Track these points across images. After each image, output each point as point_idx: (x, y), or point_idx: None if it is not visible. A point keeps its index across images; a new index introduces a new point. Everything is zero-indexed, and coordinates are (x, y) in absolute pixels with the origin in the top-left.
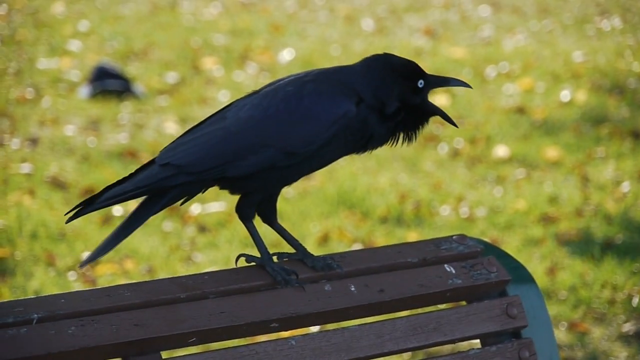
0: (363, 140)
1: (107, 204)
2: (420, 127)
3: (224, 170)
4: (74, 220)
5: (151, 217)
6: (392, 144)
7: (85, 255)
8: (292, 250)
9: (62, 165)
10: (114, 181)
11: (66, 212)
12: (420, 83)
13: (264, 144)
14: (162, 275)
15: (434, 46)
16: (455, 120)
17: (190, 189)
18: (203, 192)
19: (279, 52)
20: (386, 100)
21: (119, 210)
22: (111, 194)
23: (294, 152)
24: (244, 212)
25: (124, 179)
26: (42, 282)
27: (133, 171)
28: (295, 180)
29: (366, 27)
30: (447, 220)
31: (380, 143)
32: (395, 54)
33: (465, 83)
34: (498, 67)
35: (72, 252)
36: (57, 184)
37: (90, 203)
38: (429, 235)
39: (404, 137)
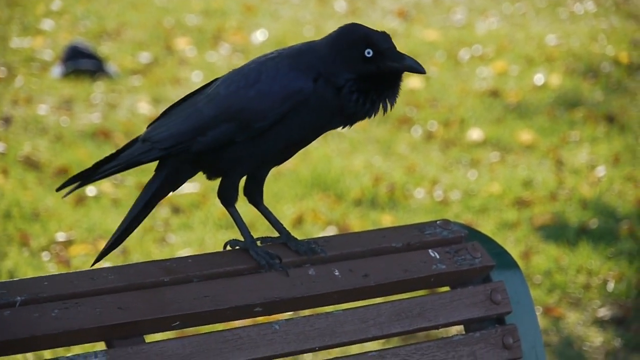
0: (329, 115)
1: (100, 177)
2: (392, 91)
3: (190, 146)
4: (47, 201)
5: (145, 217)
6: (373, 113)
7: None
8: (274, 234)
9: (35, 144)
10: (104, 157)
11: (59, 187)
12: (368, 52)
13: (223, 119)
14: (136, 255)
15: (407, 28)
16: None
17: (174, 175)
18: (190, 178)
19: (252, 33)
20: (334, 71)
21: (92, 191)
22: (103, 168)
23: (248, 125)
24: (226, 196)
25: (112, 156)
26: (15, 262)
27: (121, 147)
28: (272, 158)
29: (339, 8)
30: (421, 204)
31: (358, 115)
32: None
33: (420, 67)
34: (471, 50)
35: (46, 232)
36: (31, 164)
37: (83, 177)
38: (404, 218)
39: (380, 104)
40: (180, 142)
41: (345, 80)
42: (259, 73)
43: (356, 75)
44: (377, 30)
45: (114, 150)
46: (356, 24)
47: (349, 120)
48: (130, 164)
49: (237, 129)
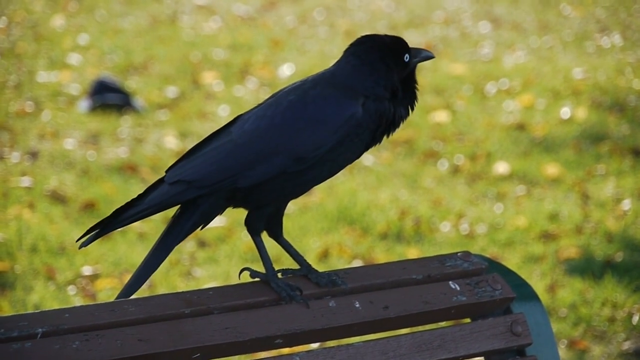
0: (380, 131)
1: (124, 224)
2: (417, 90)
3: (235, 181)
4: (74, 234)
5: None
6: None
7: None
8: (296, 266)
9: (61, 179)
10: (124, 203)
11: (79, 237)
12: (406, 57)
13: (272, 152)
14: (161, 289)
15: (434, 62)
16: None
17: (208, 212)
18: (221, 214)
19: (279, 67)
20: (394, 85)
21: None
22: (127, 215)
23: (303, 157)
24: (254, 226)
25: (134, 201)
26: (41, 296)
27: (142, 192)
28: (312, 185)
29: None
30: (447, 237)
31: (400, 123)
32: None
33: (431, 54)
34: (498, 83)
35: (72, 266)
36: (57, 198)
37: (105, 225)
38: (429, 252)
39: (411, 106)
40: (224, 178)
41: (397, 87)
42: (305, 104)
43: (400, 79)
44: (391, 35)
45: (140, 185)
46: (371, 35)
47: (387, 132)
48: (163, 206)
49: (289, 161)
